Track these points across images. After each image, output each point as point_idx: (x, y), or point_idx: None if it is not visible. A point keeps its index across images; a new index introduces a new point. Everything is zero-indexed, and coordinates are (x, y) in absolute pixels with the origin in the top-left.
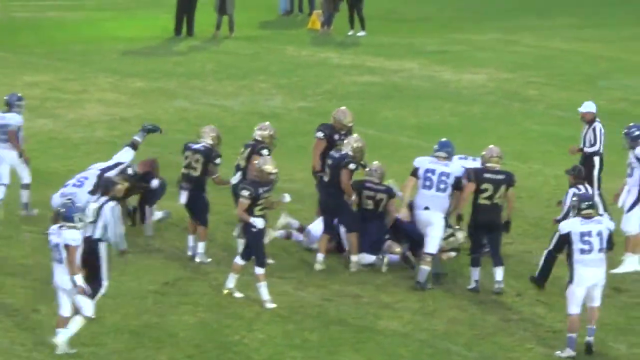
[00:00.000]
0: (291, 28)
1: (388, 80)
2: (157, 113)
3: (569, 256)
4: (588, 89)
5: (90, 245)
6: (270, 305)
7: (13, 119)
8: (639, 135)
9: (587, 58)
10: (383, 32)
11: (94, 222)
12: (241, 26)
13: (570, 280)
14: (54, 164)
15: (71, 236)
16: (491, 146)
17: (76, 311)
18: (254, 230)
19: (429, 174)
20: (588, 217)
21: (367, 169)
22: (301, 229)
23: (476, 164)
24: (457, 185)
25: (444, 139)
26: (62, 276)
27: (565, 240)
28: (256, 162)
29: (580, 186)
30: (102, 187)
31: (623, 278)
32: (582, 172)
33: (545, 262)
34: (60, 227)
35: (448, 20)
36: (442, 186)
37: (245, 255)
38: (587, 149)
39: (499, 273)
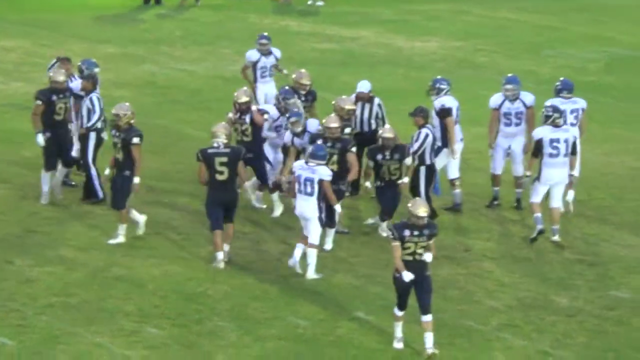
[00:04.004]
0: None
1: (345, 47)
2: (127, 77)
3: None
4: (533, 57)
5: None
6: (431, 351)
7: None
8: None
9: (532, 28)
10: (340, 2)
11: None
12: None
13: (538, 178)
14: (28, 124)
15: (325, 172)
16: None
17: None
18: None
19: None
20: (557, 125)
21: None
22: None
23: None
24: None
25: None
26: (306, 206)
27: (539, 145)
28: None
29: (429, 125)
30: None
31: (566, 236)
32: (427, 111)
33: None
34: (306, 162)
35: None
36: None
37: (404, 305)
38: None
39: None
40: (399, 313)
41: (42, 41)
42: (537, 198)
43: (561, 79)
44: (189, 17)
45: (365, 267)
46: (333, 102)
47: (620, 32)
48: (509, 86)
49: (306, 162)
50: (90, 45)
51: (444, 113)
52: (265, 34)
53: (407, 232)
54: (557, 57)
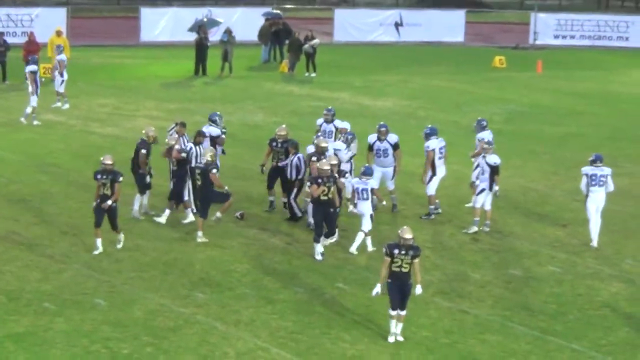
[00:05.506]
0: (269, 71)
1: (330, 104)
2: None
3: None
4: (456, 111)
5: None
6: (400, 338)
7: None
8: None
9: (456, 92)
10: (327, 74)
11: None
12: (237, 69)
13: (489, 190)
14: (119, 156)
15: (373, 183)
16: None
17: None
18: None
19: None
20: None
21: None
22: None
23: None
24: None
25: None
26: (363, 206)
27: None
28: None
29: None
30: None
31: (478, 232)
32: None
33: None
34: (361, 179)
35: (368, 67)
36: None
37: (396, 306)
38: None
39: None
40: (393, 312)
41: (125, 99)
42: (479, 204)
43: (478, 118)
44: (225, 84)
45: (342, 253)
46: (315, 141)
47: (517, 95)
48: (426, 130)
49: (360, 179)
50: (158, 103)
51: (397, 145)
52: (330, 107)
53: (396, 251)
54: (472, 112)
